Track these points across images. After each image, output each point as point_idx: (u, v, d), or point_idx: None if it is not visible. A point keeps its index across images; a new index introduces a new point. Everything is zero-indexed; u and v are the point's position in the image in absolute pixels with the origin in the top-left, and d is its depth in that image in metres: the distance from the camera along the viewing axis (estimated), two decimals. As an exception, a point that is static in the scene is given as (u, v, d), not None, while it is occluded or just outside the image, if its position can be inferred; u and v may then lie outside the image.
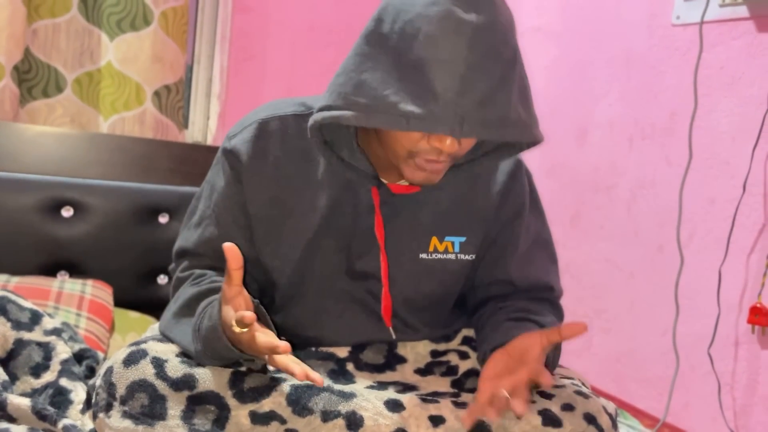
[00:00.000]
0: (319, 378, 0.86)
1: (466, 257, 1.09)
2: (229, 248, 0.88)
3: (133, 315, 1.75)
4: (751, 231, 1.60)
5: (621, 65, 1.96)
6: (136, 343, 0.98)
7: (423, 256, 1.07)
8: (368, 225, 1.04)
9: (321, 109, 0.93)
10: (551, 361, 0.99)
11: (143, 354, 0.94)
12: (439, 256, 1.08)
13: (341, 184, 1.04)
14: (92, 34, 1.96)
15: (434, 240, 1.07)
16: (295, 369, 0.85)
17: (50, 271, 1.77)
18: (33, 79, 1.92)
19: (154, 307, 1.80)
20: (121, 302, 1.76)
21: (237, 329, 0.86)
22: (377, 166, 1.03)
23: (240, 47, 2.19)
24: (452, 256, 1.08)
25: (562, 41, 2.18)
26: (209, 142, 2.19)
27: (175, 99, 2.06)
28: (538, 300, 1.13)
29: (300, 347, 1.09)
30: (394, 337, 1.09)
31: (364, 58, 0.90)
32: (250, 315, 0.84)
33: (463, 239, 1.09)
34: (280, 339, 1.10)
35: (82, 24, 1.94)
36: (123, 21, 1.95)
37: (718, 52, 1.69)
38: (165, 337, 1.03)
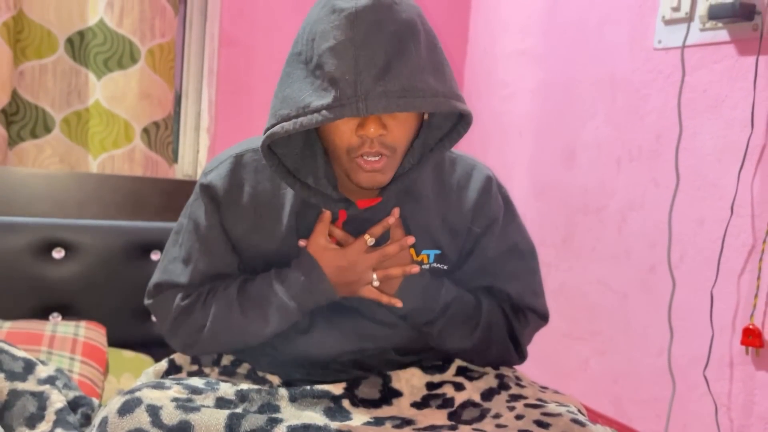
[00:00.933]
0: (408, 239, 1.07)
1: (440, 266, 1.14)
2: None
3: (128, 354, 1.74)
4: (740, 252, 1.61)
5: (606, 88, 1.99)
6: (131, 392, 0.97)
7: None
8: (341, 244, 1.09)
9: (264, 133, 0.98)
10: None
11: (138, 402, 0.94)
12: None
13: (313, 207, 1.09)
14: (79, 74, 1.96)
15: (411, 251, 1.11)
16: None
17: (43, 313, 1.75)
18: (21, 120, 1.92)
19: (148, 345, 1.80)
20: (114, 341, 1.75)
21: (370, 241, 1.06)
22: (344, 187, 1.08)
23: (228, 80, 2.20)
24: (426, 266, 1.12)
25: (547, 64, 2.21)
26: (199, 176, 2.20)
27: (164, 135, 2.06)
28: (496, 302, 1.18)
29: (290, 365, 1.13)
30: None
31: (286, 77, 0.97)
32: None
33: (438, 252, 1.13)
34: (267, 353, 1.16)
35: (69, 64, 1.95)
36: (110, 60, 1.96)
37: (700, 76, 1.71)
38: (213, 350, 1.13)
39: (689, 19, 1.71)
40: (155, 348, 1.75)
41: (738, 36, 1.62)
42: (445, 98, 0.93)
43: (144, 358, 1.74)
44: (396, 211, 1.07)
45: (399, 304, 1.07)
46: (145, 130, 2.02)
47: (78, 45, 1.96)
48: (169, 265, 1.15)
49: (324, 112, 0.90)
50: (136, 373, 1.60)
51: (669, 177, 1.77)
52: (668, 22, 1.78)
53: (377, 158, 0.97)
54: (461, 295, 1.13)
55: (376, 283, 1.07)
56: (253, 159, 1.11)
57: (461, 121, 1.04)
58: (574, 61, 2.10)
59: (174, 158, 2.20)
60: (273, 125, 0.95)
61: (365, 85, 0.89)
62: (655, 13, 1.83)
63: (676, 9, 1.75)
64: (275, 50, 2.26)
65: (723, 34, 1.65)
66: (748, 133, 1.58)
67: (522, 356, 1.20)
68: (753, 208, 1.58)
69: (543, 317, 1.21)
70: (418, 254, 1.12)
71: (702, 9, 1.67)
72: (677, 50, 1.74)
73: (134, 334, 1.84)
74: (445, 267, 1.13)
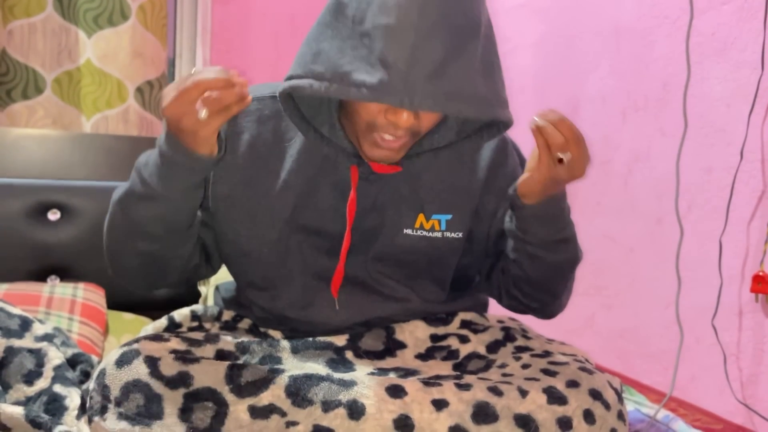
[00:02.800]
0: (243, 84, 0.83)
1: (453, 235, 1.08)
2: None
3: (127, 316, 1.72)
4: (750, 198, 1.58)
5: (610, 37, 1.94)
6: (128, 344, 0.95)
7: (408, 231, 1.06)
8: (345, 205, 1.03)
9: (287, 79, 0.92)
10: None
11: (136, 354, 0.92)
12: (425, 233, 1.07)
13: (318, 164, 1.03)
14: (69, 32, 1.92)
15: (421, 217, 1.07)
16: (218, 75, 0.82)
17: (40, 276, 1.73)
18: (11, 81, 1.88)
19: (148, 307, 1.78)
20: (114, 304, 1.73)
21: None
22: (359, 144, 1.02)
23: (222, 39, 2.16)
24: (438, 234, 1.07)
25: (549, 16, 2.15)
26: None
27: (158, 94, 2.02)
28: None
29: (293, 332, 1.07)
30: (337, 308, 1.06)
31: (325, 27, 0.90)
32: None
33: (449, 217, 1.08)
34: (270, 323, 1.09)
35: (58, 22, 1.91)
36: (100, 17, 1.91)
37: (708, 18, 1.66)
38: (113, 205, 1.00)
39: (697, -41, 1.66)
40: (155, 311, 1.72)
41: (748, -25, 1.57)
42: (489, 105, 0.90)
43: (144, 320, 1.72)
44: None
45: None
46: (139, 90, 1.98)
47: (67, 2, 1.91)
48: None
49: (364, 90, 0.84)
50: (136, 333, 1.58)
51: (676, 126, 1.73)
52: (675, -35, 1.73)
53: (398, 141, 0.93)
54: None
55: (203, 115, 0.84)
56: (257, 108, 1.06)
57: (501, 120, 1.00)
58: (577, 11, 2.05)
59: (169, 119, 2.16)
60: (300, 76, 0.89)
61: (416, 80, 0.84)
62: (661, -44, 1.77)
63: (683, -50, 1.69)
64: (269, 8, 2.21)
65: (732, -26, 1.60)
66: (758, 75, 1.54)
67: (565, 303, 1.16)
68: (763, 152, 1.55)
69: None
70: (428, 219, 1.07)
71: (710, -52, 1.62)
72: (684, -7, 1.69)
73: (133, 296, 1.81)
74: (459, 235, 1.09)
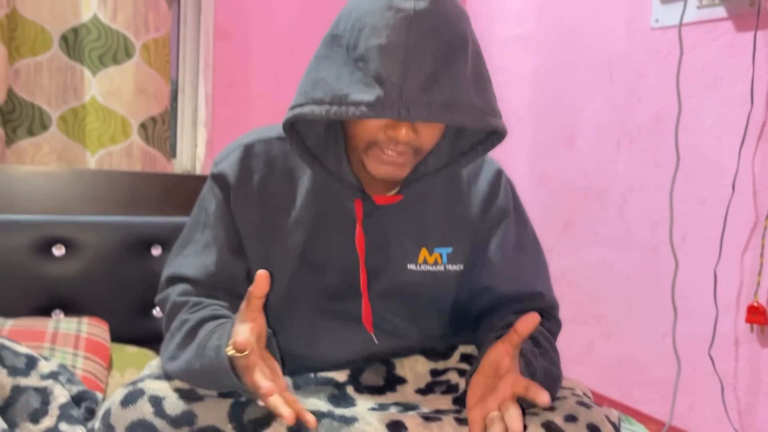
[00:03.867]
0: (312, 419, 0.84)
1: (454, 268, 1.10)
2: (262, 275, 0.88)
3: (131, 350, 1.73)
4: (743, 230, 1.60)
5: (604, 70, 1.97)
6: (133, 383, 0.97)
7: (411, 267, 1.08)
8: (352, 241, 1.05)
9: (289, 110, 0.96)
10: (541, 377, 0.97)
11: (140, 393, 0.93)
12: (429, 268, 1.09)
13: (326, 200, 1.06)
14: (75, 70, 1.96)
15: (424, 251, 1.08)
16: (283, 412, 0.82)
17: (45, 311, 1.75)
18: (18, 119, 1.91)
19: (151, 340, 1.79)
20: (117, 337, 1.74)
21: (230, 351, 0.86)
22: (362, 179, 1.05)
23: (223, 74, 2.19)
24: (441, 268, 1.09)
25: (544, 49, 2.20)
26: (198, 170, 2.19)
27: (161, 130, 2.06)
28: (528, 311, 1.13)
29: (295, 368, 1.08)
30: (377, 342, 1.08)
31: (322, 59, 0.95)
32: (245, 341, 0.83)
33: (449, 250, 1.10)
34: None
35: (64, 61, 1.94)
36: (105, 55, 1.95)
37: (698, 54, 1.70)
38: (167, 371, 1.01)
39: (686, -3, 1.71)
40: (158, 343, 1.72)
41: (735, 12, 1.61)
42: (483, 114, 0.93)
43: (148, 353, 1.73)
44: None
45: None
46: (143, 126, 2.01)
47: (72, 41, 1.95)
48: (179, 260, 1.12)
49: (363, 108, 0.88)
50: (140, 368, 1.59)
51: (669, 157, 1.76)
52: (665, 1, 1.77)
53: (401, 156, 0.96)
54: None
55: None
56: (264, 150, 1.09)
57: (495, 133, 1.04)
58: (571, 44, 2.09)
59: (172, 153, 2.19)
60: (301, 105, 0.94)
61: (411, 91, 0.88)
62: (652, -7, 1.82)
63: (673, -13, 1.74)
64: (270, 43, 2.25)
65: (720, 11, 1.64)
66: (748, 109, 1.57)
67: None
68: (755, 184, 1.57)
69: (558, 312, 1.19)
70: (431, 253, 1.09)
71: (699, -14, 1.66)
72: (675, 29, 1.73)
73: (137, 329, 1.84)
74: (461, 267, 1.10)
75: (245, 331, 0.87)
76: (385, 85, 0.88)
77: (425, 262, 1.08)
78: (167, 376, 0.99)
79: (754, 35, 1.55)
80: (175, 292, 1.09)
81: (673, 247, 1.74)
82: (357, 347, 1.08)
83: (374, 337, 1.08)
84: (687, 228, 1.73)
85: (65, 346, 1.54)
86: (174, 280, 1.11)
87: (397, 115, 0.88)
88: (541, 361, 0.99)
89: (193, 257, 1.10)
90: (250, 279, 1.09)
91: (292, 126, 1.00)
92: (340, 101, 0.90)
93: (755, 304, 1.55)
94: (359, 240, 1.05)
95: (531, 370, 0.96)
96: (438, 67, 0.89)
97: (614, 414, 1.01)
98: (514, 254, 1.14)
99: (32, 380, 1.20)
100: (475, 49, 0.95)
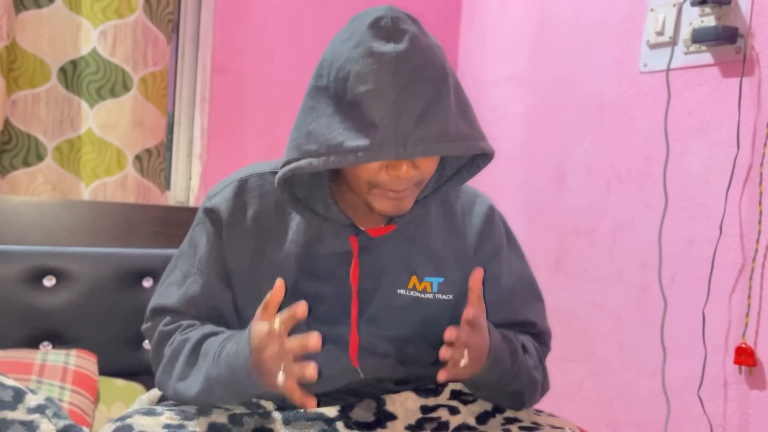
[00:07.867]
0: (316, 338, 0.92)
1: (444, 297, 1.12)
2: (280, 282, 0.95)
3: (119, 383, 1.72)
4: (730, 271, 1.62)
5: (594, 111, 2.01)
6: (121, 418, 0.97)
7: (401, 291, 1.10)
8: (346, 272, 1.07)
9: (282, 166, 0.99)
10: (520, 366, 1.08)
11: (128, 429, 0.93)
12: (417, 294, 1.11)
13: (317, 234, 1.08)
14: (72, 103, 1.97)
15: (414, 279, 1.11)
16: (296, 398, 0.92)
17: (33, 342, 1.74)
18: (13, 149, 1.92)
19: (139, 373, 1.78)
20: (106, 370, 1.73)
21: (276, 325, 0.92)
22: (354, 214, 1.08)
23: (219, 107, 2.22)
24: (430, 296, 1.11)
25: (536, 89, 2.23)
26: (191, 202, 2.20)
27: (156, 162, 2.07)
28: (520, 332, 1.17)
29: (284, 401, 1.08)
30: (362, 376, 1.09)
31: (310, 111, 0.98)
32: (298, 312, 0.92)
33: (440, 279, 1.12)
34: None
35: (61, 93, 1.96)
36: (102, 88, 1.97)
37: (686, 98, 1.74)
38: (177, 391, 1.04)
39: (673, 42, 1.75)
40: (147, 376, 1.72)
41: (721, 59, 1.65)
42: (474, 140, 0.97)
43: (136, 386, 1.72)
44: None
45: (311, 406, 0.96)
46: (138, 158, 2.02)
47: (71, 74, 1.97)
48: (163, 290, 1.14)
49: (360, 153, 0.91)
50: (128, 401, 1.58)
51: (658, 198, 1.78)
52: (653, 46, 1.81)
53: (405, 191, 1.00)
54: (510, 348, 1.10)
55: (280, 379, 0.93)
56: (258, 184, 1.11)
57: (480, 155, 1.07)
58: (562, 85, 2.13)
59: (166, 185, 2.20)
60: (296, 159, 0.96)
61: (405, 129, 0.91)
62: (640, 38, 1.86)
63: (661, 33, 1.78)
64: (266, 78, 2.28)
65: (707, 57, 1.68)
66: (734, 153, 1.60)
67: (547, 386, 1.19)
68: (741, 227, 1.60)
69: (550, 339, 1.23)
70: (421, 281, 1.12)
71: (686, 33, 1.70)
72: (662, 73, 1.77)
73: (126, 362, 1.83)
74: (450, 297, 1.13)
75: (266, 324, 0.94)
76: (378, 127, 0.91)
77: (414, 288, 1.11)
78: (154, 412, 0.99)
79: (740, 81, 1.59)
80: (161, 323, 1.10)
81: (662, 287, 1.76)
82: (347, 370, 1.09)
83: (360, 371, 1.09)
84: (676, 268, 1.75)
85: (52, 378, 1.53)
86: (159, 311, 1.13)
87: (395, 155, 0.91)
88: (522, 356, 1.08)
89: (178, 288, 1.12)
90: (238, 312, 1.11)
91: (285, 179, 1.02)
92: (337, 150, 0.92)
93: (743, 346, 1.56)
94: (354, 275, 1.07)
95: (511, 348, 1.07)
96: (426, 103, 0.92)
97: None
98: (507, 287, 1.17)
99: (19, 414, 1.19)
100: (454, 79, 0.99)
